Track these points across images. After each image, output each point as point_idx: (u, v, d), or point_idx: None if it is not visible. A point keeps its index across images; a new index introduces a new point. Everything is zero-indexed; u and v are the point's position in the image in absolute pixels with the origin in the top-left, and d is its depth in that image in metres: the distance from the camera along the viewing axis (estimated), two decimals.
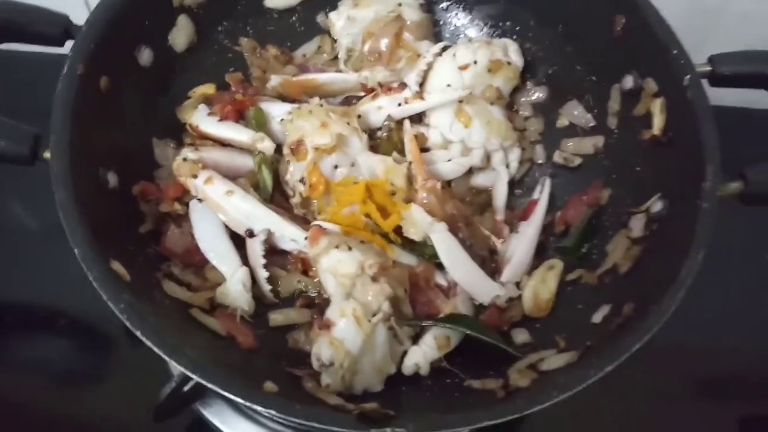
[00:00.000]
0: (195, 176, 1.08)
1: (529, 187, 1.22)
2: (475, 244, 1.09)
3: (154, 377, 1.08)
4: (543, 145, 1.24)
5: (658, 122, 1.06)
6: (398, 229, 1.07)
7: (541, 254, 1.13)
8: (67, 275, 0.95)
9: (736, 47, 1.11)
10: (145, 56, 1.14)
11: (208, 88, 1.21)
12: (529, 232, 1.12)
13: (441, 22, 1.34)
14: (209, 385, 0.81)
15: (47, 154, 0.94)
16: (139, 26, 1.12)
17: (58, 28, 1.07)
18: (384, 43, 1.24)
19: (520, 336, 1.05)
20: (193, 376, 0.82)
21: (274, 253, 1.08)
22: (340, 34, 1.27)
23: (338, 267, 1.00)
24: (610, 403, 1.19)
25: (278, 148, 1.12)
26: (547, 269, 1.10)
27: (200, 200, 1.09)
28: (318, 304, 1.06)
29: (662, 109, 1.06)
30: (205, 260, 1.06)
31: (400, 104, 1.16)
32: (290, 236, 1.07)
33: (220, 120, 1.14)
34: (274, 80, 1.21)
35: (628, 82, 1.12)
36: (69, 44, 1.03)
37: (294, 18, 1.32)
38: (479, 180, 1.20)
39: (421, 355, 0.97)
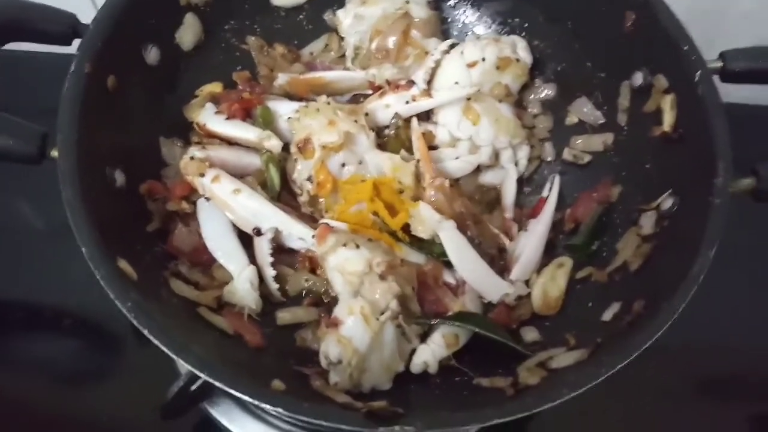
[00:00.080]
0: (202, 175, 1.08)
1: (538, 185, 1.22)
2: (483, 242, 1.08)
3: (162, 377, 1.08)
4: (552, 143, 1.24)
5: (668, 119, 1.06)
6: (406, 227, 1.06)
7: (550, 252, 1.12)
8: (74, 274, 0.96)
9: (747, 43, 1.10)
10: (152, 55, 1.14)
11: (216, 87, 1.20)
12: (538, 230, 1.12)
13: (449, 20, 1.33)
14: (216, 384, 0.81)
15: (54, 153, 0.94)
16: (146, 25, 1.12)
17: (65, 26, 1.07)
18: (391, 41, 1.23)
19: (530, 334, 1.04)
20: (201, 375, 0.81)
21: (281, 251, 1.08)
22: (348, 32, 1.27)
23: (346, 265, 0.99)
24: (618, 402, 1.19)
25: (285, 147, 1.12)
26: (556, 267, 1.09)
27: (207, 199, 1.08)
28: (326, 303, 1.06)
29: (672, 106, 1.05)
30: (213, 259, 1.06)
31: (407, 102, 1.15)
32: (298, 234, 1.07)
33: (228, 118, 1.14)
34: (282, 78, 1.21)
35: (638, 78, 1.12)
36: (76, 43, 1.03)
37: (301, 16, 1.32)
38: (488, 178, 1.19)
39: (430, 353, 0.97)
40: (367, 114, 1.15)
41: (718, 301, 1.17)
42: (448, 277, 1.06)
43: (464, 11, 1.33)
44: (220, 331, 0.99)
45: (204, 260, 1.06)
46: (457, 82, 1.17)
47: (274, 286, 1.05)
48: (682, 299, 0.87)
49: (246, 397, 0.81)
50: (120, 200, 1.02)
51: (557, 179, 1.18)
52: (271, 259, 1.05)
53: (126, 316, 0.84)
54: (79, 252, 0.86)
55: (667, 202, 1.03)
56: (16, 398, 1.19)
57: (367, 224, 1.06)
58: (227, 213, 1.07)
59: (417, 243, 1.06)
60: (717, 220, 0.92)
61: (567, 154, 1.21)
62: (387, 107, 1.16)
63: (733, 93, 1.10)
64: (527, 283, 1.09)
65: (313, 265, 1.08)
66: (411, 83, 1.16)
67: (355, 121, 1.10)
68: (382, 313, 0.93)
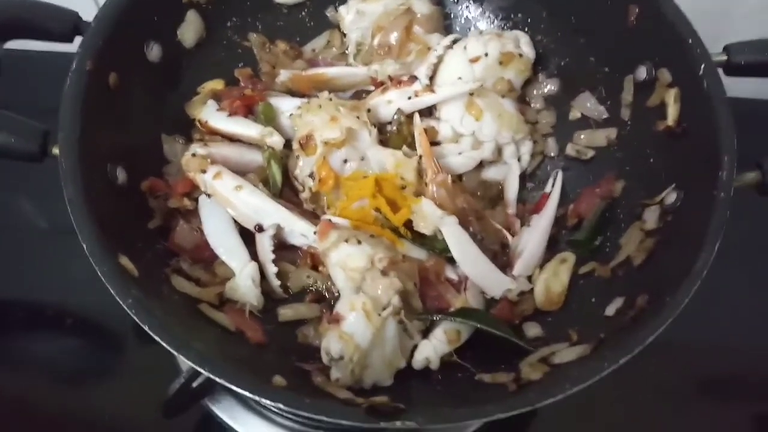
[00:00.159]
0: (204, 171, 1.07)
1: (541, 181, 1.21)
2: (486, 237, 1.08)
3: (163, 374, 1.08)
4: (555, 138, 1.23)
5: (672, 113, 1.05)
6: (408, 223, 1.06)
7: (553, 247, 1.12)
8: (76, 272, 0.96)
9: (752, 36, 1.09)
10: (154, 52, 1.14)
11: (217, 84, 1.20)
12: (541, 225, 1.11)
13: (451, 15, 1.33)
14: (218, 380, 0.81)
15: (56, 151, 0.94)
16: (148, 22, 1.12)
17: (67, 24, 1.07)
18: (394, 37, 1.23)
19: (532, 330, 1.04)
20: (202, 371, 0.81)
21: (283, 248, 1.08)
22: (350, 28, 1.27)
23: (348, 261, 0.99)
24: (618, 400, 1.18)
25: (287, 143, 1.12)
26: (559, 262, 1.09)
27: (209, 196, 1.08)
28: (327, 299, 1.06)
29: (677, 100, 1.05)
30: (214, 255, 1.06)
31: (410, 98, 1.15)
32: (300, 231, 1.07)
33: (229, 115, 1.13)
34: (284, 75, 1.21)
35: (642, 72, 1.11)
36: (78, 41, 1.03)
37: (303, 13, 1.32)
38: (490, 173, 1.19)
39: (432, 349, 0.97)
40: (369, 110, 1.14)
41: (719, 299, 1.16)
42: (450, 273, 1.06)
43: (467, 6, 1.32)
44: (221, 327, 0.99)
45: (205, 257, 1.06)
46: (459, 78, 1.17)
47: (275, 282, 1.05)
48: (685, 294, 0.87)
49: (247, 393, 0.81)
50: (121, 197, 1.02)
51: (560, 174, 1.18)
52: (272, 256, 1.05)
53: (127, 314, 0.84)
54: (81, 250, 0.86)
55: (670, 196, 1.02)
56: (17, 397, 1.19)
57: (369, 220, 1.05)
58: (229, 210, 1.07)
59: (419, 239, 1.06)
60: (721, 214, 0.91)
61: (570, 150, 1.20)
62: (389, 103, 1.15)
63: (736, 87, 1.09)
64: (530, 278, 1.08)
65: (315, 262, 1.07)
66: (413, 79, 1.16)
67: (357, 118, 1.10)
68: (384, 309, 0.93)
